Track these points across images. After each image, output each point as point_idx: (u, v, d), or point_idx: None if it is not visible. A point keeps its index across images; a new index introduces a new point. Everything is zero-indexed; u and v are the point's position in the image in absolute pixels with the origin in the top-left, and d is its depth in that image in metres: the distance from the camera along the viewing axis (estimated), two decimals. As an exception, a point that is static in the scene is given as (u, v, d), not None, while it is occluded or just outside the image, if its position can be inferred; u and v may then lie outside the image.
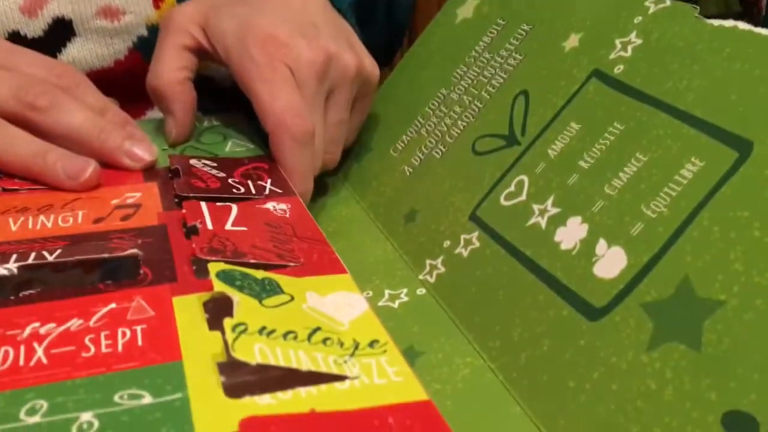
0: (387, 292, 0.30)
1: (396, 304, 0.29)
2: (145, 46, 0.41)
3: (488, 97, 0.33)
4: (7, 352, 0.19)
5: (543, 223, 0.27)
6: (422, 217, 0.32)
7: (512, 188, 0.29)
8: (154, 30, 0.41)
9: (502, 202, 0.29)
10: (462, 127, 0.34)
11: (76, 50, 0.41)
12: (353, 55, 0.35)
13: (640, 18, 0.29)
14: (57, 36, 0.40)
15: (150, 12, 0.41)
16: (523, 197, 0.28)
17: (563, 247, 0.26)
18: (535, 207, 0.28)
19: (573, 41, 0.31)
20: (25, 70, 0.32)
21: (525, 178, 0.29)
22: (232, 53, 0.33)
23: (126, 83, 0.41)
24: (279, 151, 0.32)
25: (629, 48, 0.28)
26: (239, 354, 0.19)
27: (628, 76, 0.28)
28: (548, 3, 0.33)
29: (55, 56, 0.40)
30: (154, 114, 0.43)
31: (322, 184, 0.38)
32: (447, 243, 0.30)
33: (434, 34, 0.39)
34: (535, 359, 0.24)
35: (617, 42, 0.29)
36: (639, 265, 0.23)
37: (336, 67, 0.34)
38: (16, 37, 0.39)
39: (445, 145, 0.34)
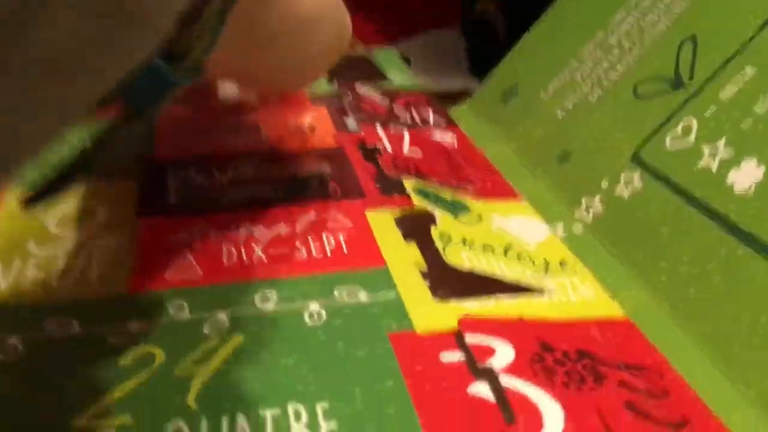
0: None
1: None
2: None
3: (651, 41, 0.33)
4: (230, 251, 0.21)
5: (714, 165, 0.27)
6: (577, 158, 0.33)
7: (679, 131, 0.29)
8: None
9: (668, 144, 0.29)
10: (621, 71, 0.33)
11: None
12: None
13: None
14: None
15: None
16: (692, 139, 0.28)
17: (737, 189, 0.26)
18: (705, 149, 0.28)
19: (745, -15, 0.30)
20: None
21: (693, 121, 0.29)
22: None
23: None
24: None
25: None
26: (450, 260, 0.20)
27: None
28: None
29: None
30: None
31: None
32: (605, 183, 0.30)
33: (589, -22, 0.39)
34: (705, 294, 0.24)
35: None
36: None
37: None
38: None
39: (602, 89, 0.34)
